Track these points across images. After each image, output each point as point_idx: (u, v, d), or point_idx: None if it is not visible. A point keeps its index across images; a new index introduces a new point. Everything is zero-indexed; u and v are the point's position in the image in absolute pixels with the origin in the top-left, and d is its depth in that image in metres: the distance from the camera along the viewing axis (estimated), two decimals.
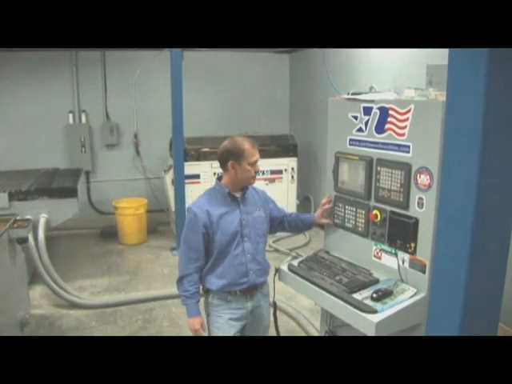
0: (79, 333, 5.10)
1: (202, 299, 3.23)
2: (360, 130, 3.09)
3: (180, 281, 3.13)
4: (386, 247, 2.97)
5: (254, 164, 3.05)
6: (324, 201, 3.38)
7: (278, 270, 3.37)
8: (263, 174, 7.44)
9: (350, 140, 3.18)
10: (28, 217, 5.18)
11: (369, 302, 2.68)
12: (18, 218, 4.99)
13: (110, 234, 8.21)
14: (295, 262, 3.37)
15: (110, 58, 8.90)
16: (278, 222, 3.37)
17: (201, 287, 3.18)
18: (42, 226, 5.61)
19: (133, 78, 8.88)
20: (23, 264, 5.24)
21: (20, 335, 4.78)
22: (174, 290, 5.68)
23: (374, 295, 2.70)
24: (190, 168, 7.42)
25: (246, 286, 3.11)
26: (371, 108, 2.98)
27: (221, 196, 3.11)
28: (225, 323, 3.13)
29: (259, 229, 3.16)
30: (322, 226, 3.52)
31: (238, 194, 3.12)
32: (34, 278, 5.92)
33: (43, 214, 5.70)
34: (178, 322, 5.23)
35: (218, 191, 3.14)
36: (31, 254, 5.40)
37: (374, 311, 2.60)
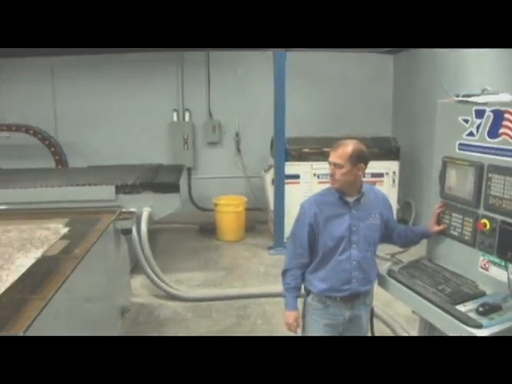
0: (175, 324, 5.25)
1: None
2: (471, 134, 2.94)
3: (284, 273, 3.19)
4: (494, 259, 2.81)
5: None
6: (436, 207, 3.24)
7: (377, 276, 3.27)
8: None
9: (460, 144, 3.03)
10: (132, 209, 5.40)
11: (473, 316, 2.54)
12: (123, 210, 5.22)
13: (209, 229, 8.39)
14: (395, 268, 3.26)
15: (214, 58, 9.10)
16: (387, 233, 3.23)
17: (303, 286, 3.18)
18: (145, 218, 5.81)
19: (236, 77, 9.03)
20: (126, 254, 5.46)
21: (120, 322, 5.00)
22: (269, 289, 5.78)
23: (480, 309, 2.55)
24: (290, 168, 7.41)
25: (348, 293, 3.04)
26: (484, 111, 2.83)
27: (333, 198, 3.03)
28: (321, 328, 3.10)
29: (370, 237, 3.06)
30: None
31: (351, 198, 3.02)
32: (135, 268, 6.12)
33: (146, 207, 5.90)
34: (271, 320, 5.25)
35: (331, 192, 3.05)
36: (134, 245, 5.62)
37: (479, 326, 2.46)
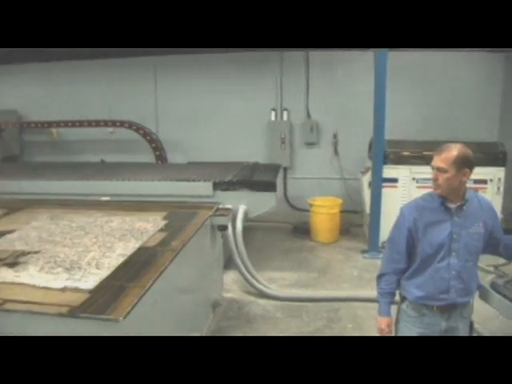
0: (264, 322, 5.29)
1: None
2: None
3: (378, 278, 3.15)
4: None
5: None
6: None
7: (479, 288, 3.11)
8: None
9: None
10: (229, 206, 5.49)
11: None
12: (220, 206, 5.33)
13: (303, 230, 8.38)
14: (500, 281, 3.09)
15: (314, 58, 9.05)
16: (492, 243, 3.06)
17: (398, 292, 3.11)
18: (241, 216, 5.88)
19: (335, 78, 8.95)
20: (220, 249, 5.58)
21: (211, 315, 5.11)
22: (361, 293, 5.68)
23: None
24: (389, 171, 7.23)
25: (445, 303, 2.93)
26: None
27: (435, 203, 2.93)
28: None
29: (472, 246, 2.92)
30: None
31: (454, 205, 2.90)
32: (228, 263, 6.21)
33: (242, 204, 5.97)
34: (362, 325, 5.15)
35: (433, 197, 2.95)
36: (228, 242, 5.70)
37: None
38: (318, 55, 8.91)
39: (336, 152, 9.31)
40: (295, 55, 8.97)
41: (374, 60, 6.95)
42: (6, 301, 2.85)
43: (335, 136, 9.26)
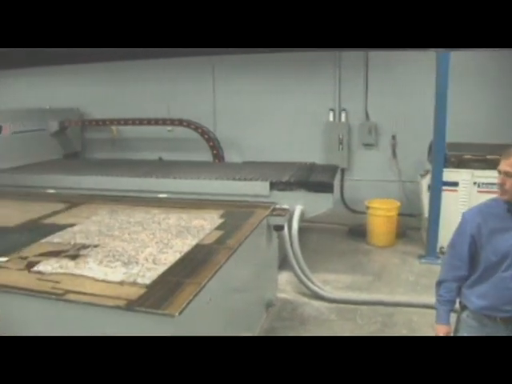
0: (318, 323, 5.26)
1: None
2: None
3: (438, 284, 3.07)
4: None
5: None
6: None
7: None
8: None
9: None
10: (285, 206, 5.49)
11: None
12: (276, 206, 5.34)
13: (359, 232, 8.29)
14: None
15: (373, 58, 8.92)
16: None
17: (458, 300, 3.02)
18: (297, 216, 5.87)
19: (395, 79, 8.78)
20: (276, 249, 5.58)
21: (265, 315, 5.12)
22: (417, 299, 5.57)
23: None
24: (449, 175, 7.03)
25: (509, 314, 2.78)
26: None
27: (500, 209, 2.80)
28: None
29: None
30: None
31: None
32: (283, 264, 6.19)
33: (299, 205, 5.96)
34: (417, 331, 5.05)
35: (498, 203, 2.82)
36: (284, 242, 5.69)
37: None
38: (377, 55, 8.78)
39: (394, 154, 9.13)
40: (354, 55, 8.85)
41: (436, 61, 6.78)
42: (67, 291, 2.97)
43: (394, 138, 9.08)
